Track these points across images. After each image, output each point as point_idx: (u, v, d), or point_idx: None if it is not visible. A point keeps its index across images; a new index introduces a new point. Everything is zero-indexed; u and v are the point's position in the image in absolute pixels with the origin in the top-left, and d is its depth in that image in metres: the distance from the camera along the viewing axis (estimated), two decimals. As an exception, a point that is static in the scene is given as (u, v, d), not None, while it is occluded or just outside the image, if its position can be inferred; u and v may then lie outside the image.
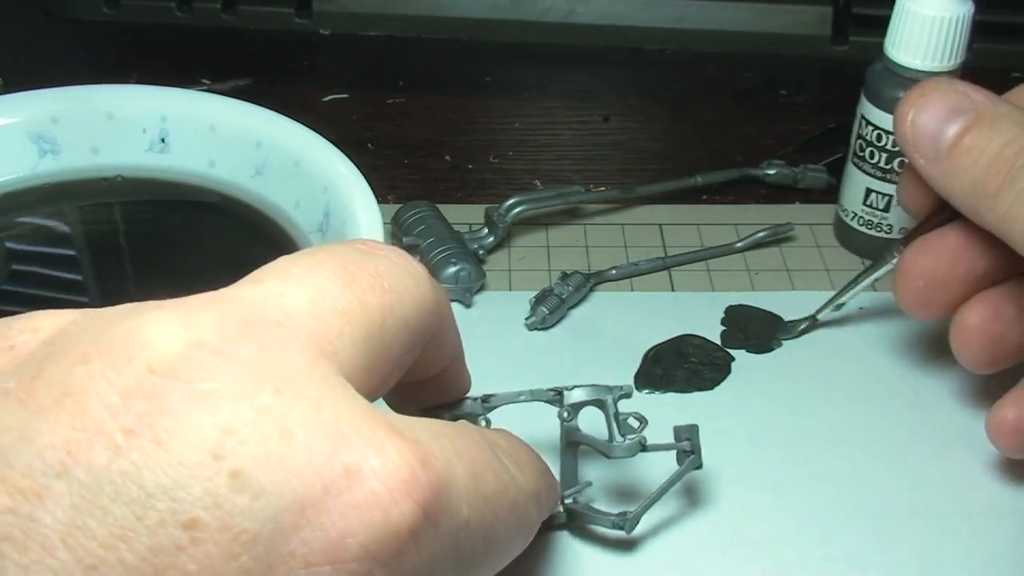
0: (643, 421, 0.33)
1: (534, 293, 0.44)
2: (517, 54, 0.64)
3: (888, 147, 0.44)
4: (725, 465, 0.37)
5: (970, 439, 0.38)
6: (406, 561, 0.19)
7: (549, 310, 0.43)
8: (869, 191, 0.46)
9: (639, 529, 0.34)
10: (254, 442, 0.18)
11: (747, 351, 0.42)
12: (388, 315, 0.23)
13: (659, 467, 0.35)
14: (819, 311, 0.43)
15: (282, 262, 0.23)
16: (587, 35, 0.65)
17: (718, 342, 0.43)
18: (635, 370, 0.41)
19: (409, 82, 0.61)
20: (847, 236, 0.48)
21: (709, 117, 0.59)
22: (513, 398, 0.33)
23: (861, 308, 0.45)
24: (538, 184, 0.52)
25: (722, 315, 0.44)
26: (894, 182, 0.45)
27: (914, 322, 0.44)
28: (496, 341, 0.42)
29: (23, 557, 0.17)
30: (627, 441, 0.33)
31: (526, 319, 0.43)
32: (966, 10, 0.41)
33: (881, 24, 0.44)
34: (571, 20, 0.65)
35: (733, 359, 0.42)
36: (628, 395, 0.33)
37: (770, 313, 0.44)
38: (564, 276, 0.45)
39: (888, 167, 0.45)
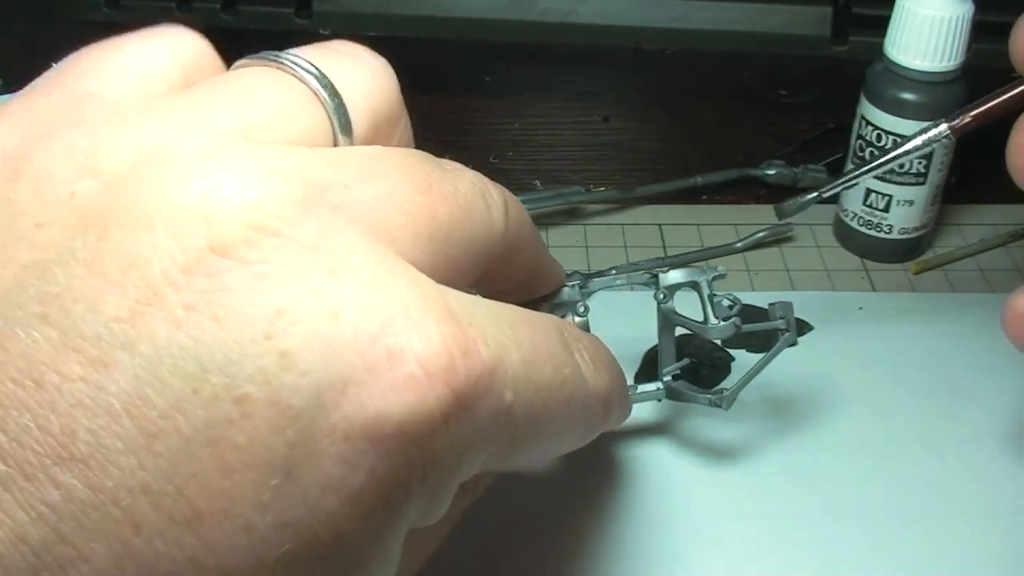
0: (736, 302, 0.33)
1: (534, 293, 0.44)
2: (517, 54, 0.64)
3: (888, 147, 0.44)
4: (725, 466, 0.37)
5: (970, 439, 0.38)
6: (436, 442, 0.20)
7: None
8: (869, 191, 0.46)
9: (639, 527, 0.34)
10: (304, 323, 0.19)
11: (747, 351, 0.42)
12: (456, 228, 0.24)
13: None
14: (828, 189, 0.36)
15: (370, 153, 0.23)
16: (587, 35, 0.65)
17: (718, 342, 0.43)
18: (635, 370, 0.41)
19: (409, 82, 0.60)
20: (847, 236, 0.48)
21: (709, 117, 0.59)
22: (609, 282, 0.34)
23: (861, 308, 0.45)
24: (538, 184, 0.52)
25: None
26: (894, 182, 0.45)
27: (913, 322, 0.44)
28: (496, 341, 0.42)
29: (92, 423, 0.18)
30: (722, 323, 0.33)
31: (526, 319, 0.43)
32: (966, 10, 0.41)
33: (881, 24, 0.44)
34: (571, 20, 0.65)
35: (733, 359, 0.42)
36: (723, 276, 0.34)
37: (770, 313, 0.44)
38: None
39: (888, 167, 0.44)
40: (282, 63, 0.23)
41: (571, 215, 0.50)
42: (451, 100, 0.60)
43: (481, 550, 0.34)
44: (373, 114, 0.25)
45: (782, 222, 0.42)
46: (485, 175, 0.26)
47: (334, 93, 0.23)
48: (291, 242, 0.20)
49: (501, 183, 0.26)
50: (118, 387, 0.18)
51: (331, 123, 0.23)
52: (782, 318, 0.34)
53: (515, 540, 0.34)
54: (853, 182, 0.36)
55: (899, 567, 0.34)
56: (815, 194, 0.36)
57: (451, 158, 0.25)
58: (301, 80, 0.23)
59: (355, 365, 0.19)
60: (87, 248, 0.19)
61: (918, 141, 0.34)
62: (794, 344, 0.34)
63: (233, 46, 0.25)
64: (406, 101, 0.27)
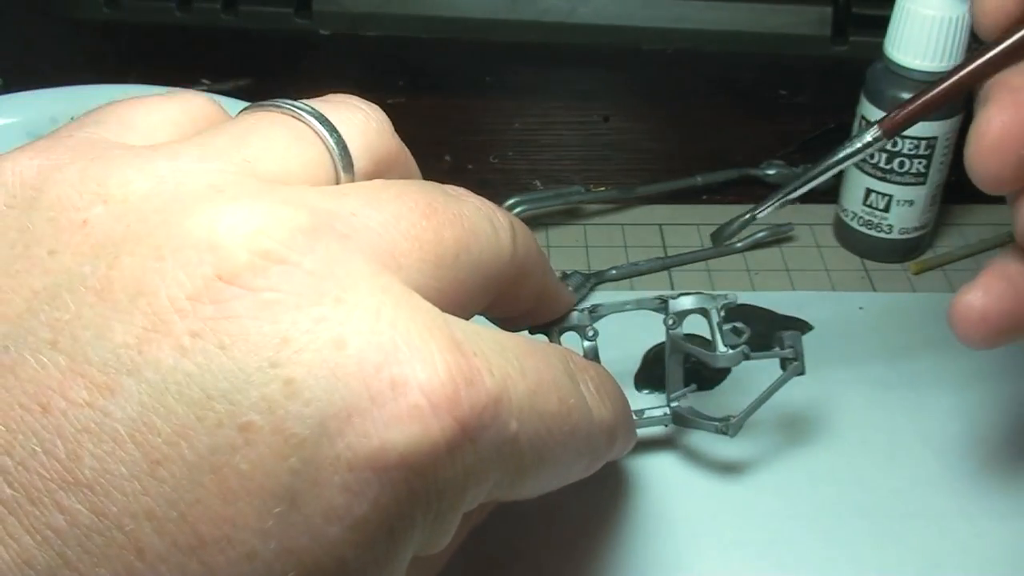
0: (745, 331, 0.33)
1: (534, 293, 0.44)
2: (517, 54, 0.64)
3: (888, 147, 0.44)
4: (724, 465, 0.37)
5: (970, 439, 0.38)
6: (440, 472, 0.20)
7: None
8: (869, 191, 0.46)
9: (639, 527, 0.34)
10: (310, 351, 0.19)
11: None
12: (463, 251, 0.24)
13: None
14: (762, 208, 0.34)
15: (373, 184, 0.24)
16: (587, 35, 0.65)
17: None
18: (635, 370, 0.41)
19: (409, 82, 0.61)
20: (847, 236, 0.48)
21: (709, 117, 0.59)
22: (619, 307, 0.34)
23: (861, 308, 0.45)
24: (538, 184, 0.52)
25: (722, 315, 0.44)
26: (894, 182, 0.45)
27: (912, 322, 0.43)
28: (496, 341, 0.42)
29: (97, 448, 0.18)
30: (730, 351, 0.33)
31: (526, 319, 0.43)
32: (966, 10, 0.41)
33: (881, 24, 0.44)
34: (571, 20, 0.65)
35: (733, 359, 0.42)
36: (733, 303, 0.34)
37: (770, 313, 0.44)
38: (564, 276, 0.45)
39: (888, 167, 0.45)
40: (282, 108, 0.24)
41: (571, 215, 0.50)
42: (451, 100, 0.60)
43: (483, 562, 0.34)
44: (371, 149, 0.25)
45: (719, 247, 0.41)
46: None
47: (332, 129, 0.24)
48: (298, 269, 0.20)
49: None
50: (123, 413, 0.18)
51: (332, 157, 0.24)
52: (791, 347, 0.34)
53: (517, 552, 0.34)
54: (788, 198, 0.33)
55: (900, 566, 0.34)
56: (748, 215, 0.35)
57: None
58: (301, 120, 0.24)
59: (359, 394, 0.19)
60: (97, 275, 0.20)
61: (851, 148, 0.32)
62: (802, 373, 0.34)
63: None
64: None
